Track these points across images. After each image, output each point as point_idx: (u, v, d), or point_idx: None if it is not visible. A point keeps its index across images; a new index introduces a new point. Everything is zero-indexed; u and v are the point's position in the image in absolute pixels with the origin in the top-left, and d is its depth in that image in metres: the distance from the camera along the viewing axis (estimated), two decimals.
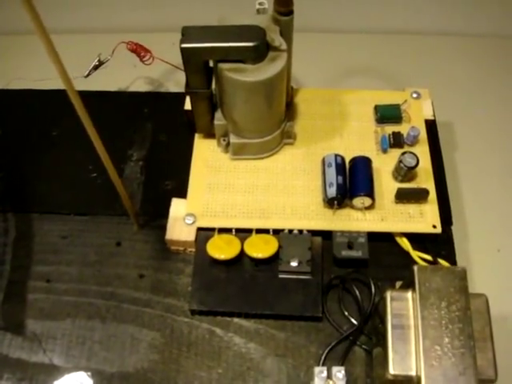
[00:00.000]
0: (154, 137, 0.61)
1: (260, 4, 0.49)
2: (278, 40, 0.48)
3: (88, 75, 0.61)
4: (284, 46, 0.48)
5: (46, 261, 0.53)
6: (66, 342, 0.49)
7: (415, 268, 0.42)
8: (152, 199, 0.57)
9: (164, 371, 0.48)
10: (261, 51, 0.47)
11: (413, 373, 0.40)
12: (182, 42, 0.46)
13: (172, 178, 0.57)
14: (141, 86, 0.68)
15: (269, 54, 0.48)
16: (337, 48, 0.73)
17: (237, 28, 0.46)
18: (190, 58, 0.46)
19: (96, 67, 0.62)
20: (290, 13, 0.48)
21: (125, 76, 0.68)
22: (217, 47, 0.46)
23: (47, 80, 0.61)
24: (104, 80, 0.63)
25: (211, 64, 0.49)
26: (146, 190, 0.57)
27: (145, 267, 0.53)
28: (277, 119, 0.53)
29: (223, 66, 0.47)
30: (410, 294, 0.42)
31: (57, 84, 0.56)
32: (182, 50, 0.46)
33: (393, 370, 0.40)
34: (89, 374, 0.48)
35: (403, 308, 0.42)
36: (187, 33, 0.46)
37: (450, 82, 0.69)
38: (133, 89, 0.67)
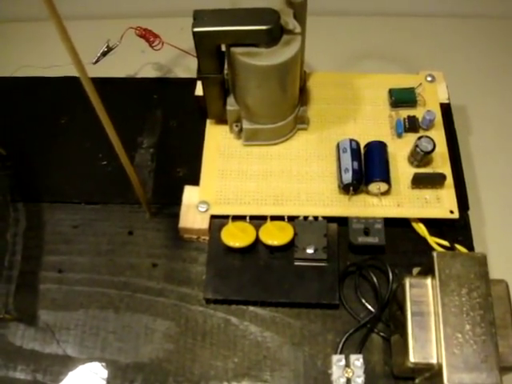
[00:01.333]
0: (164, 123, 0.60)
1: None
2: (291, 23, 0.47)
3: (97, 62, 0.60)
4: (298, 29, 0.47)
5: (57, 251, 0.53)
6: (79, 333, 0.49)
7: (434, 254, 0.42)
8: (163, 187, 0.56)
9: (179, 361, 0.47)
10: (274, 34, 0.46)
11: (433, 361, 0.40)
12: (194, 25, 0.45)
13: (183, 165, 0.56)
14: (149, 72, 0.67)
15: (283, 38, 0.46)
16: (349, 31, 0.72)
17: (250, 11, 0.45)
18: (202, 43, 0.45)
19: (105, 53, 0.61)
20: None
21: (133, 62, 0.67)
22: (229, 31, 0.45)
23: (55, 67, 0.61)
24: (113, 66, 0.62)
25: (223, 48, 0.48)
26: (157, 177, 0.56)
27: (158, 256, 0.52)
28: (290, 104, 0.52)
29: (236, 50, 0.46)
30: (429, 281, 0.42)
31: (64, 71, 0.56)
32: (195, 34, 0.45)
33: (413, 358, 0.40)
34: (103, 364, 0.47)
35: (423, 295, 0.42)
36: (199, 16, 0.45)
37: (463, 66, 0.68)
38: (141, 75, 0.66)
